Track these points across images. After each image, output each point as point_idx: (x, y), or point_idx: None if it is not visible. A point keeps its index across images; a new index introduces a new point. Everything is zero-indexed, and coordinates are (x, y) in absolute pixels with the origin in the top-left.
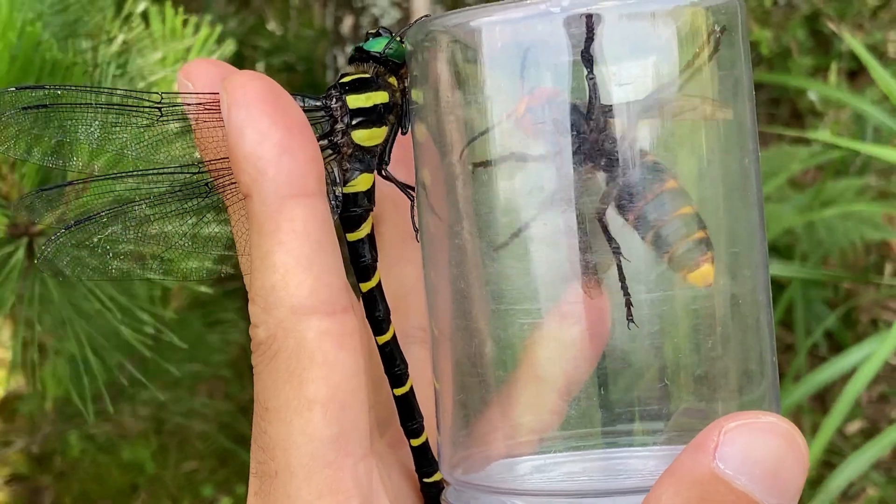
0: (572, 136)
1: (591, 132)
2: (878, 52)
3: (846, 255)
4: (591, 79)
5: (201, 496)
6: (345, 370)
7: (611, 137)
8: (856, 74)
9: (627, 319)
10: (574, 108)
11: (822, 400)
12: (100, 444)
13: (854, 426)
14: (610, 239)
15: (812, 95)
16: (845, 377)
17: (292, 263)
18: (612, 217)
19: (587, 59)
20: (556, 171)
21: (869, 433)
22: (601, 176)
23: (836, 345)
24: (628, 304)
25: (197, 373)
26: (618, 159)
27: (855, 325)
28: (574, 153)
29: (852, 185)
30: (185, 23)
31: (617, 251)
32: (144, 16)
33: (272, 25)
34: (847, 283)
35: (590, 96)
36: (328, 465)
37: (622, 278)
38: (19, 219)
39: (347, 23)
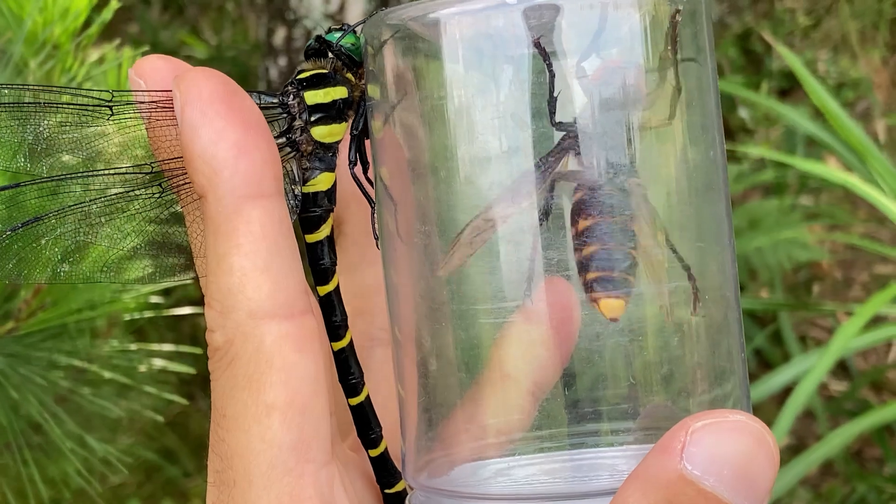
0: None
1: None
2: (810, 70)
3: (774, 273)
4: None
5: None
6: (304, 374)
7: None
8: (786, 93)
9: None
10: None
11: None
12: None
13: (781, 443)
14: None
15: (743, 113)
16: (775, 396)
17: (249, 266)
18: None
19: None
20: (518, 167)
21: (796, 449)
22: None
23: (765, 362)
24: (695, 297)
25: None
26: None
27: (783, 343)
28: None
29: (781, 205)
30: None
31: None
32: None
33: (206, 35)
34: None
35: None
36: (288, 473)
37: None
38: None
39: (280, 35)
